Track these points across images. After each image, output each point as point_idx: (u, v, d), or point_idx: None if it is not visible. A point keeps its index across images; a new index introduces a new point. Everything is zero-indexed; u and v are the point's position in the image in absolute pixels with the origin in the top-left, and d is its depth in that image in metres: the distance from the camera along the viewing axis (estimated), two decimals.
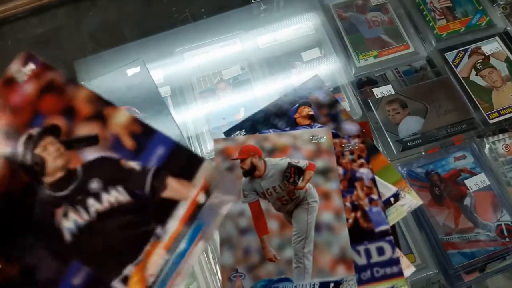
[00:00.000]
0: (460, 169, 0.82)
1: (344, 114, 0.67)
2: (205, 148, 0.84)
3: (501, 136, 0.86)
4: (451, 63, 0.94)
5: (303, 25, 1.00)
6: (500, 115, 0.88)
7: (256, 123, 0.69)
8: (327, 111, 0.68)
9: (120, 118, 0.31)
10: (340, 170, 0.62)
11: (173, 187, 0.30)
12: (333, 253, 0.59)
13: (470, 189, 0.80)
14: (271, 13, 1.04)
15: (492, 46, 0.96)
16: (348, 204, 0.59)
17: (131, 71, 0.87)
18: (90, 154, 0.31)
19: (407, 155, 0.85)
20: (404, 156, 0.85)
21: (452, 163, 0.83)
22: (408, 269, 0.59)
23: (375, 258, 0.59)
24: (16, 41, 1.18)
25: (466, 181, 0.81)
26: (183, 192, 0.30)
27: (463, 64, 0.94)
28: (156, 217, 0.30)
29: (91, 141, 0.31)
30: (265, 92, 0.92)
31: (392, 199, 0.61)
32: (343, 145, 0.64)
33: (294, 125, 0.67)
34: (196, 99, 0.92)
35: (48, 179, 0.30)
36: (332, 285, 0.58)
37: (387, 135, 0.86)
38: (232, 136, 0.69)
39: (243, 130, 0.68)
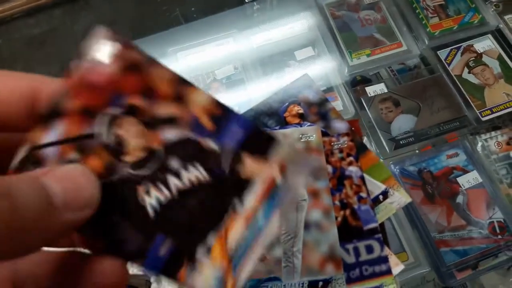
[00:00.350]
0: (452, 167, 0.82)
1: (333, 112, 0.67)
2: None
3: (493, 133, 0.86)
4: (444, 61, 0.94)
5: (296, 24, 1.00)
6: (493, 112, 0.88)
7: None
8: (317, 109, 0.68)
9: (199, 99, 0.32)
10: (329, 168, 0.62)
11: (250, 166, 0.32)
12: (322, 252, 0.59)
13: (462, 186, 0.81)
14: (264, 13, 1.04)
15: (484, 44, 0.96)
16: (337, 202, 0.59)
17: None
18: (170, 134, 0.32)
19: (400, 153, 0.85)
20: (397, 155, 0.85)
21: (445, 161, 0.83)
22: (397, 267, 0.59)
23: (364, 256, 0.59)
24: (12, 41, 1.19)
25: (458, 179, 0.81)
26: (260, 171, 0.32)
27: (456, 62, 0.94)
28: (235, 193, 0.32)
29: (171, 121, 0.32)
30: (258, 91, 0.93)
31: (381, 197, 0.61)
32: (332, 143, 0.64)
33: (284, 123, 0.68)
34: None
35: (129, 158, 0.31)
36: (321, 283, 0.58)
37: (380, 134, 0.86)
38: None
39: None
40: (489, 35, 0.97)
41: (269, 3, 1.04)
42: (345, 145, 0.64)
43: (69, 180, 0.25)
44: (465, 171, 0.82)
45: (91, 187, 0.26)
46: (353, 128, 0.66)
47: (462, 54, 0.95)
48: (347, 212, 0.59)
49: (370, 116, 0.88)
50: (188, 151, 0.32)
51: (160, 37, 1.01)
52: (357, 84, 0.94)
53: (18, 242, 0.22)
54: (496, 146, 0.84)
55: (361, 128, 0.87)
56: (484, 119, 0.88)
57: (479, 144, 0.85)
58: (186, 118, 0.31)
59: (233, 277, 0.31)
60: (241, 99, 0.92)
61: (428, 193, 0.80)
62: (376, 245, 0.59)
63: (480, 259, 0.76)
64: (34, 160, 0.30)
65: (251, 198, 0.32)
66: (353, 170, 0.62)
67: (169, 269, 0.30)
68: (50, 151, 0.30)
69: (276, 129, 0.66)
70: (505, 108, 0.89)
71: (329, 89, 0.91)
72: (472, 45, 0.96)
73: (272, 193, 0.32)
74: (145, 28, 1.09)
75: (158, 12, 1.10)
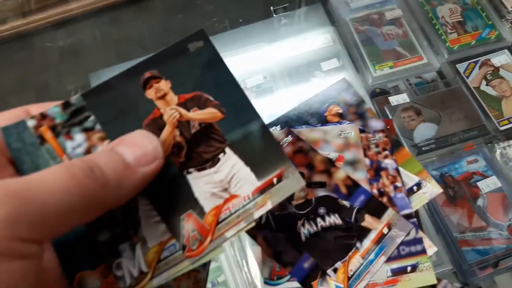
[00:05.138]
0: (472, 172, 0.87)
1: (370, 112, 0.72)
2: None
3: (511, 142, 0.91)
4: (462, 74, 1.00)
5: (322, 37, 1.06)
6: (510, 122, 0.93)
7: (290, 120, 0.73)
8: (355, 110, 0.73)
9: (340, 174, 0.57)
10: (367, 161, 0.66)
11: (368, 220, 0.53)
12: None
13: (482, 190, 0.85)
14: (291, 26, 1.11)
15: (501, 58, 1.01)
16: (375, 191, 0.62)
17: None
18: (320, 192, 0.54)
19: (422, 159, 0.90)
20: (419, 160, 0.90)
21: (465, 166, 0.88)
22: (430, 248, 0.63)
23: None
24: (46, 49, 1.25)
25: (478, 183, 0.86)
26: (374, 225, 0.53)
27: (474, 74, 1.00)
28: (357, 236, 0.52)
29: (322, 185, 0.55)
30: (286, 99, 0.98)
31: (415, 188, 0.65)
32: (369, 139, 0.68)
33: (324, 122, 0.72)
34: None
35: (294, 202, 0.53)
36: None
37: (403, 141, 0.91)
38: None
39: (278, 126, 0.73)
40: (506, 50, 1.02)
41: (297, 17, 1.10)
42: (381, 141, 0.68)
43: (135, 143, 0.31)
44: (484, 176, 0.87)
45: (153, 144, 0.32)
46: (388, 127, 0.71)
47: (480, 67, 1.00)
48: (385, 199, 0.63)
49: (394, 124, 0.93)
50: (330, 204, 0.53)
51: None
52: (376, 95, 0.99)
53: (110, 198, 0.28)
54: None
55: None
56: (502, 128, 0.93)
57: (498, 151, 0.90)
58: (331, 184, 0.54)
59: None
60: (270, 106, 0.98)
61: (450, 196, 0.85)
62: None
63: (500, 258, 0.80)
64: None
65: (367, 242, 0.51)
66: (388, 162, 0.66)
67: (308, 279, 0.48)
68: None
69: (317, 126, 0.71)
70: None
71: None
72: (489, 59, 1.01)
73: (381, 240, 0.52)
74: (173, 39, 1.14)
75: (188, 27, 1.16)
